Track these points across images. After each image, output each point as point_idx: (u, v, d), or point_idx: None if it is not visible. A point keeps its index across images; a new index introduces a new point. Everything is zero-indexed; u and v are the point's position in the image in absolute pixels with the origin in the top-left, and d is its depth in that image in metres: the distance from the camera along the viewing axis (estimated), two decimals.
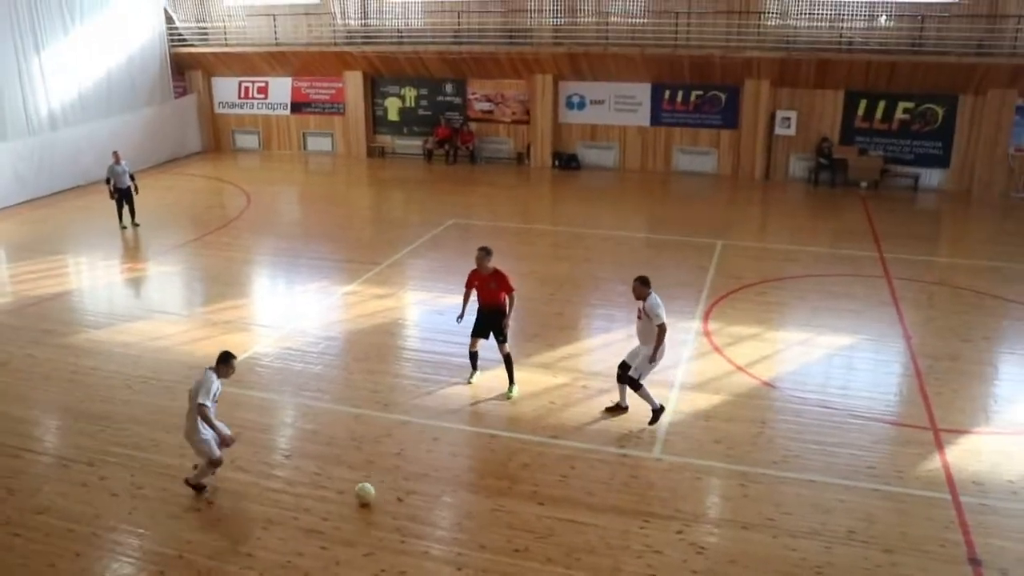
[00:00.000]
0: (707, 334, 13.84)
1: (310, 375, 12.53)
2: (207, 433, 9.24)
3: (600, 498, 9.24)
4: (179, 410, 11.36)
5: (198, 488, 9.52)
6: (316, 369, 12.74)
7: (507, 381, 11.72)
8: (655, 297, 10.44)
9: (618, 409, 11.08)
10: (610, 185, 26.44)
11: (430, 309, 15.19)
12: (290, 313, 15.42)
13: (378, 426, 10.91)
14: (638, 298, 10.57)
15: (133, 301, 16.50)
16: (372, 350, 13.38)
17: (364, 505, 9.05)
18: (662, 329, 10.33)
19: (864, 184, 24.94)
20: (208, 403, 9.13)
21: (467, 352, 12.08)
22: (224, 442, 9.33)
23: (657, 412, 10.67)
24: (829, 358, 13.05)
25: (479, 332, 11.92)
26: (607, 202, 24.17)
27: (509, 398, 11.65)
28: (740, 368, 12.47)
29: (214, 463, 9.33)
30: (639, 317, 10.63)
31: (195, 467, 9.61)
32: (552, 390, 11.82)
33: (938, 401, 11.39)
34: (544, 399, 11.53)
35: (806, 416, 11.01)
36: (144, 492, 9.59)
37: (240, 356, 13.05)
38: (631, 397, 10.94)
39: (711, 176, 26.77)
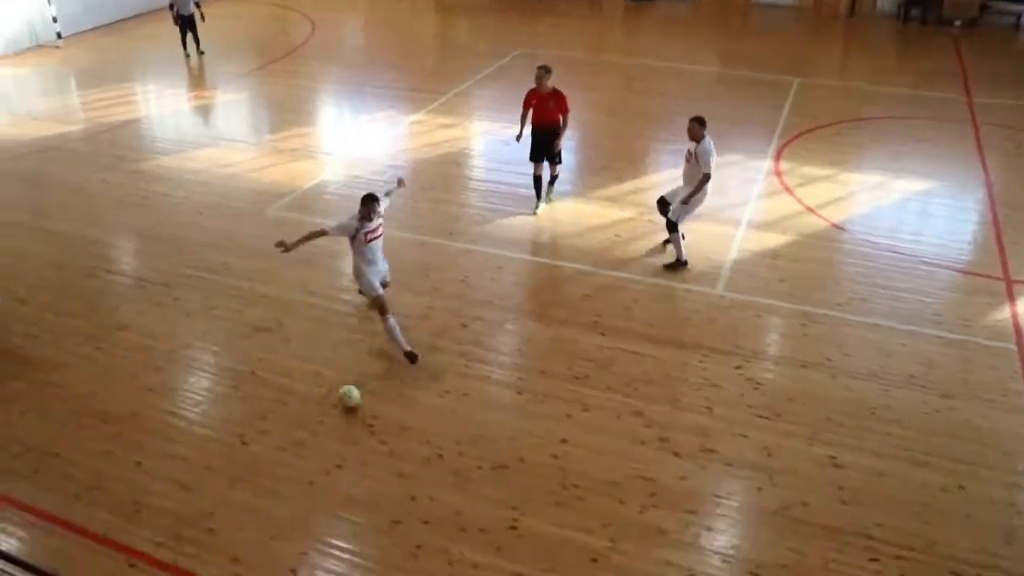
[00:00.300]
0: (778, 174, 13.53)
1: None
2: (366, 270, 8.87)
3: (661, 331, 9.33)
4: (248, 235, 11.65)
5: (392, 340, 9.01)
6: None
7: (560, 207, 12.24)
8: (709, 142, 10.12)
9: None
10: (686, 17, 25.36)
11: (496, 139, 15.02)
12: (356, 141, 15.40)
13: (443, 254, 11.05)
14: (692, 139, 10.22)
15: (201, 128, 16.60)
16: (438, 179, 13.39)
17: (349, 409, 8.26)
18: (706, 178, 10.08)
19: (958, 22, 23.43)
20: (331, 231, 8.79)
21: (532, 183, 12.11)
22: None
23: (679, 263, 10.60)
24: (903, 203, 12.69)
25: (537, 155, 11.97)
26: (682, 35, 23.24)
27: (550, 201, 12.28)
28: (810, 209, 12.23)
29: (379, 302, 8.87)
30: (688, 159, 10.36)
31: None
32: (618, 223, 11.77)
33: (1014, 251, 11.09)
34: (610, 232, 11.51)
35: (875, 260, 10.83)
36: (217, 312, 9.93)
37: (307, 185, 13.25)
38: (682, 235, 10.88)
39: (793, 9, 25.44)
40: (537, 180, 12.15)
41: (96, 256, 11.42)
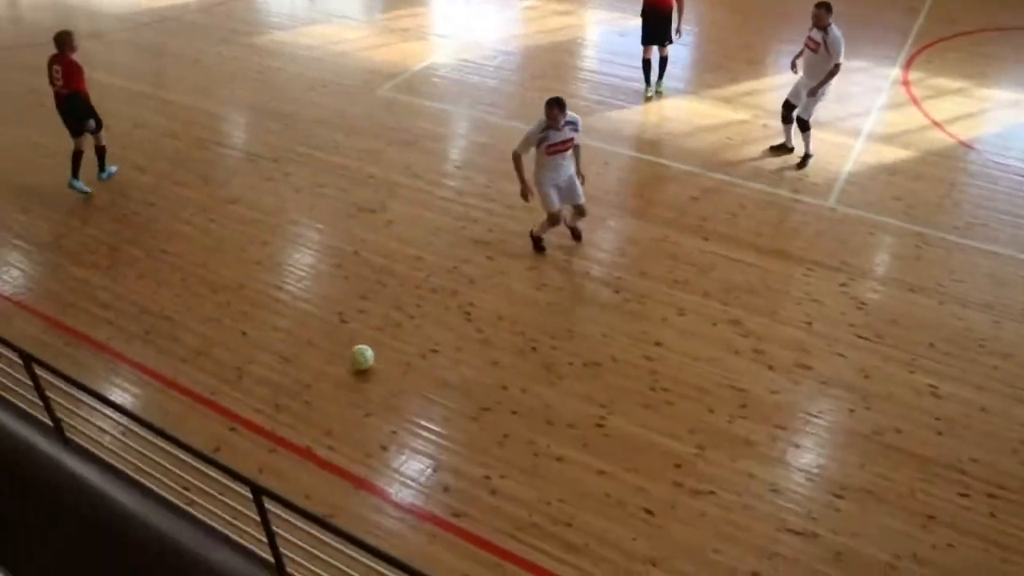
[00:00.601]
0: (906, 84, 12.82)
1: (486, 89, 12.50)
2: (544, 181, 8.54)
3: (767, 240, 9.11)
4: (358, 114, 11.71)
5: (536, 242, 8.99)
6: (492, 83, 12.68)
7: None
8: (837, 29, 9.60)
9: (783, 149, 10.64)
10: None
11: (612, 30, 14.59)
12: (468, 24, 15.18)
13: None
14: (817, 25, 9.67)
15: (314, 5, 16.55)
16: (549, 68, 13.14)
17: (358, 372, 7.58)
18: (836, 69, 9.65)
19: None
20: (521, 149, 8.40)
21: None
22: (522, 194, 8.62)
23: (807, 157, 10.33)
24: None
25: (648, 39, 11.72)
26: None
27: (659, 94, 12.14)
28: (937, 124, 11.60)
29: (552, 218, 8.68)
30: (811, 48, 9.83)
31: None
32: (731, 125, 11.41)
33: None
34: (721, 134, 11.17)
35: (1002, 184, 10.25)
36: (325, 191, 10.09)
37: (417, 66, 13.17)
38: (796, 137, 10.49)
39: None
40: (646, 64, 11.88)
41: (210, 129, 11.67)
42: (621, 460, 6.62)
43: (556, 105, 8.12)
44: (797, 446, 6.75)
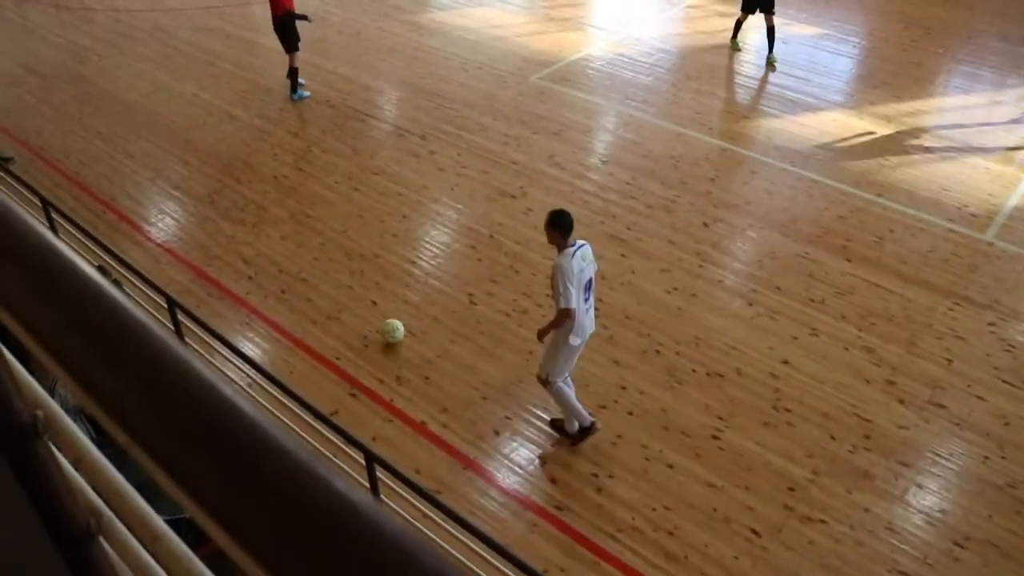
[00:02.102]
0: None
1: (638, 85, 12.38)
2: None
3: (913, 269, 8.71)
4: (508, 99, 11.80)
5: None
6: (645, 80, 12.55)
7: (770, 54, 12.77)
8: None
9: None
10: None
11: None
12: (628, 18, 15.06)
13: (698, 148, 10.73)
14: None
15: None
16: (705, 70, 12.91)
17: (388, 345, 7.67)
18: None
19: None
20: (573, 303, 6.06)
21: (800, 88, 11.50)
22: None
23: None
24: None
25: (749, 5, 12.63)
26: None
27: (771, 64, 12.62)
28: None
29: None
30: None
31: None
32: (889, 145, 10.94)
33: None
34: (878, 153, 10.72)
35: None
36: (467, 172, 10.21)
37: (573, 56, 13.15)
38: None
39: None
40: (738, 24, 13.02)
41: (363, 100, 11.98)
42: (733, 476, 6.48)
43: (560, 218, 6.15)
44: (920, 486, 6.45)
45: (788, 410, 7.05)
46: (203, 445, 0.54)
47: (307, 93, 11.81)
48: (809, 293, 8.32)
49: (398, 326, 7.71)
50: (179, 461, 0.56)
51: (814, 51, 13.41)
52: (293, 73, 11.77)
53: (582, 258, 6.13)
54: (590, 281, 6.26)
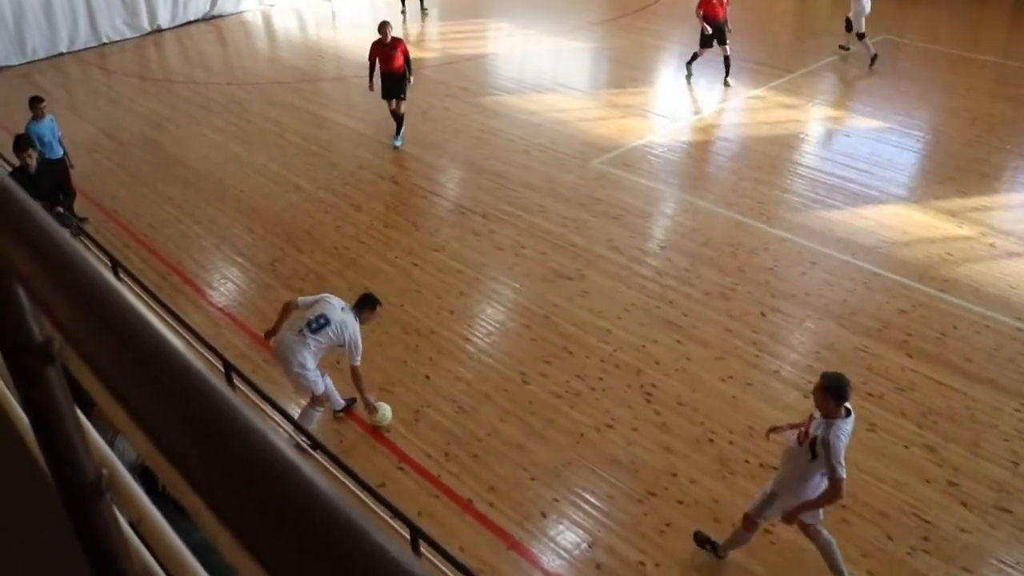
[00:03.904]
0: None
1: (699, 173, 12.46)
2: (313, 369, 7.11)
3: (978, 367, 8.49)
4: (569, 182, 11.93)
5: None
6: (706, 168, 12.62)
7: None
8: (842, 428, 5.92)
9: None
10: None
11: (836, 129, 14.22)
12: (690, 107, 15.22)
13: (757, 237, 10.70)
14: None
15: (542, 72, 17.08)
16: (766, 160, 12.93)
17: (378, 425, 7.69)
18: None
19: None
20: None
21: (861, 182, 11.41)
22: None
23: None
24: None
25: (705, 43, 15.20)
26: None
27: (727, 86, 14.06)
28: None
29: (318, 400, 7.36)
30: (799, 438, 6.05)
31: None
32: (953, 240, 10.79)
33: None
34: (941, 247, 10.57)
35: None
36: (526, 252, 10.29)
37: (634, 142, 13.29)
38: None
39: None
40: (694, 56, 15.02)
41: (427, 178, 12.22)
42: (785, 572, 6.30)
43: (377, 303, 7.49)
44: None
45: (843, 507, 6.83)
46: (279, 516, 0.55)
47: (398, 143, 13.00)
48: (868, 387, 8.15)
49: (386, 412, 7.66)
50: (252, 531, 0.57)
51: (877, 144, 13.37)
52: (401, 120, 13.01)
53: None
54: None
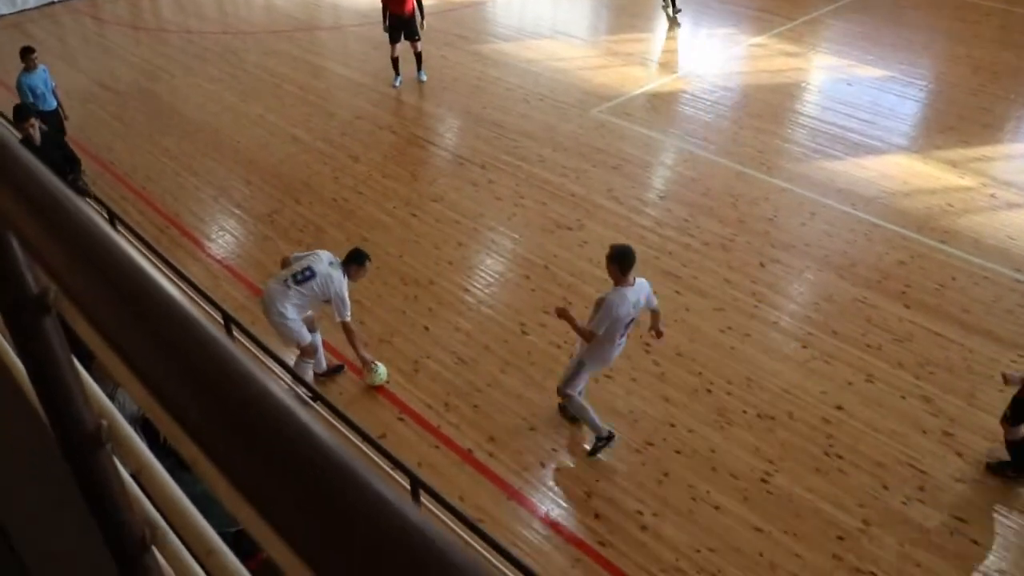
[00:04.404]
0: None
1: (699, 122, 12.35)
2: (294, 319, 7.04)
3: (976, 318, 8.51)
4: (568, 131, 11.84)
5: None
6: (706, 117, 12.51)
7: None
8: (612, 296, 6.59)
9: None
10: None
11: (839, 77, 14.06)
12: (691, 55, 15.07)
13: (757, 187, 10.65)
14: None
15: (541, 19, 16.87)
16: (767, 109, 12.83)
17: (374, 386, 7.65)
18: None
19: None
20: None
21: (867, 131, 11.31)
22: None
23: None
24: None
25: None
26: None
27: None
28: None
29: (306, 351, 7.30)
30: None
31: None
32: (954, 191, 10.75)
33: None
34: (942, 198, 10.54)
35: None
36: (524, 202, 10.25)
37: (634, 91, 13.17)
38: None
39: None
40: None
41: (425, 128, 12.13)
42: (781, 521, 6.36)
43: (367, 259, 7.24)
44: (976, 543, 6.26)
45: (840, 456, 6.91)
46: (277, 464, 0.55)
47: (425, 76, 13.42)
48: (866, 338, 8.18)
49: (380, 372, 7.59)
50: (251, 479, 0.57)
51: (880, 94, 13.27)
52: (420, 56, 13.21)
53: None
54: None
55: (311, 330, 7.31)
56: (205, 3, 18.00)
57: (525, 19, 16.78)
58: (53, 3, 17.48)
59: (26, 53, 10.26)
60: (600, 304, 6.33)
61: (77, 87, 13.40)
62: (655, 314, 6.84)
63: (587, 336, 6.35)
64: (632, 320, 6.45)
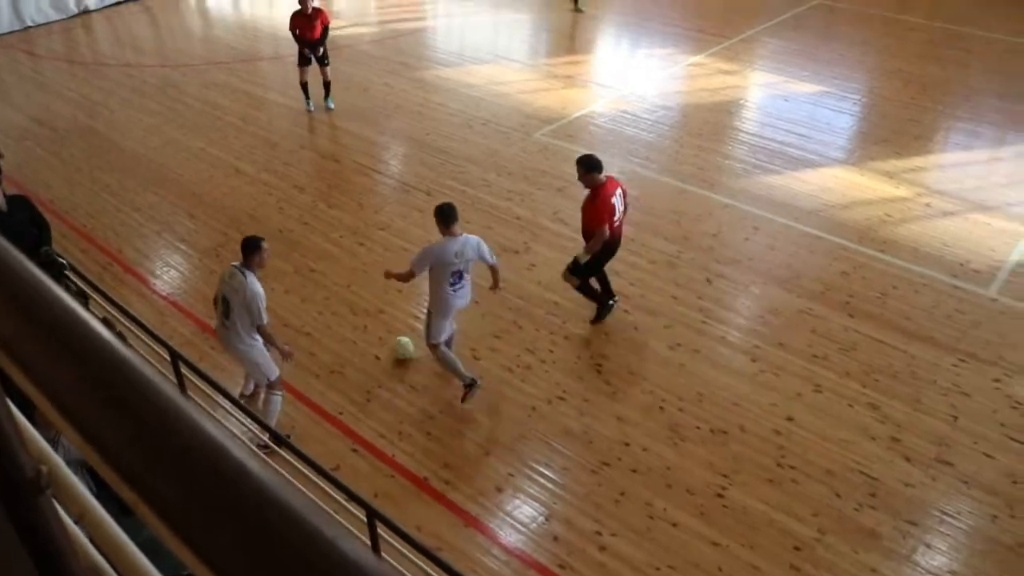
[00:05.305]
0: None
1: (641, 142, 12.50)
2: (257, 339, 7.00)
3: (917, 325, 8.70)
4: (512, 155, 11.90)
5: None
6: (648, 137, 12.67)
7: None
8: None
9: None
10: None
11: (776, 93, 14.36)
12: (630, 76, 15.25)
13: (700, 204, 10.80)
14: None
15: (482, 44, 16.99)
16: (707, 127, 13.03)
17: (400, 361, 8.15)
18: None
19: None
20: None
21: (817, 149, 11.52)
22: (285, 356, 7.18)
23: None
24: None
25: None
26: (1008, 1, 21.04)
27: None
28: None
29: (272, 385, 7.21)
30: None
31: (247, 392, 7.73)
32: (890, 202, 11.00)
33: None
34: (879, 209, 10.78)
35: None
36: (471, 227, 10.16)
37: (576, 113, 13.30)
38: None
39: None
40: None
41: (369, 156, 12.11)
42: (738, 534, 6.41)
43: (260, 242, 6.90)
44: (928, 546, 6.37)
45: (792, 467, 7.00)
46: (213, 505, 0.55)
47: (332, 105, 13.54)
48: (812, 349, 8.31)
49: (408, 344, 8.13)
50: (187, 521, 0.56)
51: (815, 108, 13.57)
52: (328, 85, 13.38)
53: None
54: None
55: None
56: (143, 36, 17.83)
57: (465, 44, 16.88)
58: None
59: None
60: (423, 250, 7.39)
61: (12, 124, 13.17)
62: (493, 270, 7.70)
63: (406, 276, 7.33)
64: (460, 270, 7.26)
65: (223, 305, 6.89)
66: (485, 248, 7.44)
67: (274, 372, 7.11)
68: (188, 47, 17.12)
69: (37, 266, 0.84)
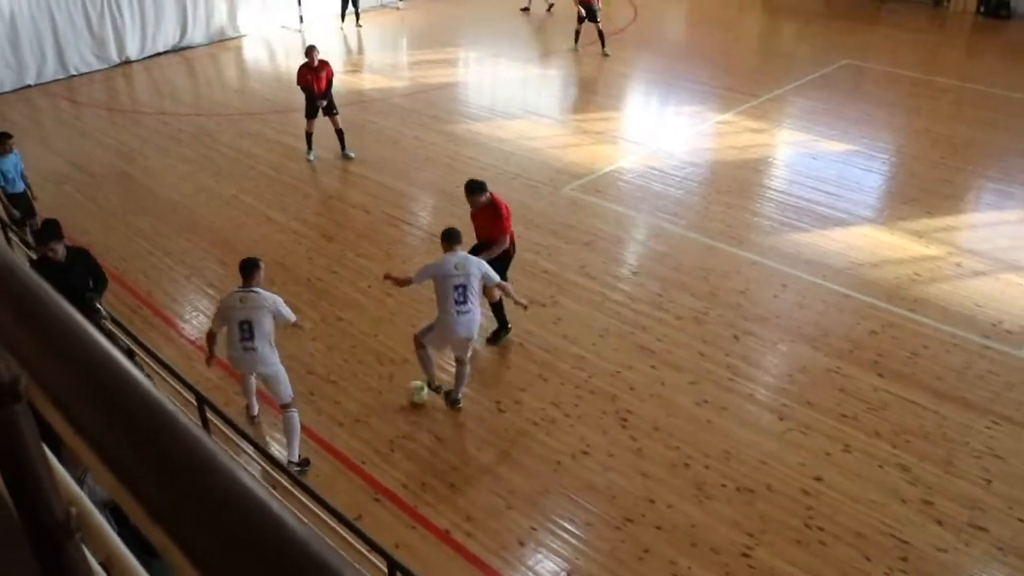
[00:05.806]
0: None
1: (669, 198, 12.53)
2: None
3: (948, 385, 8.58)
4: (540, 209, 11.97)
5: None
6: (676, 193, 12.70)
7: None
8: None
9: None
10: None
11: (804, 152, 14.37)
12: (659, 133, 15.35)
13: (728, 261, 10.77)
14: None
15: (512, 99, 17.16)
16: (735, 184, 13.05)
17: (415, 405, 8.23)
18: None
19: None
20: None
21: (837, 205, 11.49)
22: None
23: None
24: None
25: (583, 20, 15.57)
26: None
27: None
28: None
29: (288, 405, 7.43)
30: None
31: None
32: (920, 261, 10.92)
33: None
34: (909, 268, 10.69)
35: None
36: None
37: (605, 169, 13.37)
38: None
39: None
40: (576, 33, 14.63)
41: (399, 207, 12.21)
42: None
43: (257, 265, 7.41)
44: None
45: (821, 528, 6.87)
46: (248, 556, 0.55)
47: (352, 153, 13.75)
48: (841, 408, 8.21)
49: (422, 387, 8.20)
50: (217, 565, 0.56)
51: (844, 167, 13.56)
52: (341, 133, 13.62)
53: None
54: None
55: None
56: (180, 86, 18.21)
57: (496, 99, 17.07)
58: (29, 87, 17.59)
59: (2, 139, 10.27)
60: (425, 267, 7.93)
61: (52, 169, 13.43)
62: (502, 288, 8.22)
63: (404, 282, 7.95)
64: (463, 285, 7.58)
65: (243, 330, 7.10)
66: (487, 267, 7.87)
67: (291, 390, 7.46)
68: (224, 98, 17.46)
69: (80, 311, 0.85)
